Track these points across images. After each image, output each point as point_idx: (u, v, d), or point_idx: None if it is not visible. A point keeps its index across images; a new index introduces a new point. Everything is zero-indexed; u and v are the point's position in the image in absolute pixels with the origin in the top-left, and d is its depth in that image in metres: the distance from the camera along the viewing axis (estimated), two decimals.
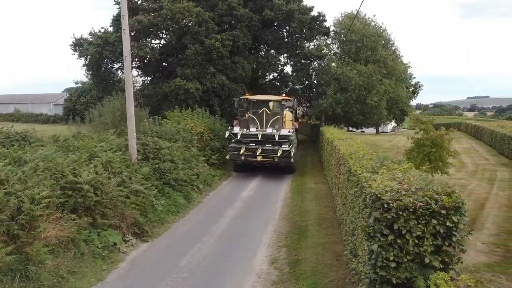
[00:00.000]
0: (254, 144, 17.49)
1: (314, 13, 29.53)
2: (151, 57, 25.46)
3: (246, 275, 7.80)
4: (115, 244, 8.96)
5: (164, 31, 25.95)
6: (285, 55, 29.68)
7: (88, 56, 26.56)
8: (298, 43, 28.67)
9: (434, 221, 4.55)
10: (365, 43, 27.36)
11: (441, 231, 4.55)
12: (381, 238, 4.68)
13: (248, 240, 9.84)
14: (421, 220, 4.58)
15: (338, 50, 30.15)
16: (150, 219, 10.67)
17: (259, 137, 17.42)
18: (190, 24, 25.05)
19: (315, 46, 28.92)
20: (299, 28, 28.00)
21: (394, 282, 4.68)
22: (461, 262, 4.84)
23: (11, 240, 6.90)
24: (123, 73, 28.41)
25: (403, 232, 4.60)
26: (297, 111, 22.59)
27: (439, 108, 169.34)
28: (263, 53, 28.82)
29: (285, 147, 17.19)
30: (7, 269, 6.61)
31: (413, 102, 69.42)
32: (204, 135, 20.27)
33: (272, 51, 29.73)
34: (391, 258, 4.66)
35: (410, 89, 53.11)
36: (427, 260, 4.60)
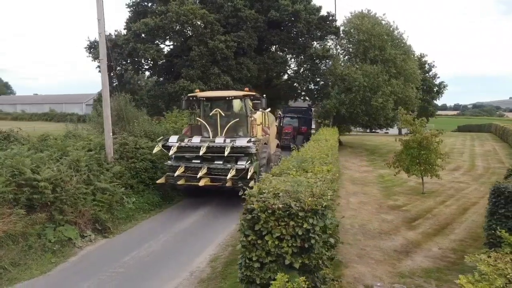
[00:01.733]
0: (199, 161, 12.32)
1: (323, 13, 29.46)
2: (157, 58, 26.08)
3: (180, 272, 7.98)
4: (70, 239, 9.37)
5: (170, 33, 26.48)
6: (292, 55, 29.60)
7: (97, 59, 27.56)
8: (306, 43, 28.55)
9: (292, 223, 4.57)
10: (373, 42, 26.86)
11: (299, 233, 4.56)
12: (244, 239, 4.74)
13: (201, 238, 10.02)
14: (280, 221, 4.61)
15: (345, 50, 29.73)
16: (116, 216, 11.07)
17: (202, 151, 11.87)
18: (194, 26, 25.50)
19: (321, 46, 28.66)
20: (306, 28, 27.88)
21: (258, 282, 4.72)
22: (327, 266, 4.81)
23: None
24: (132, 74, 29.32)
25: (264, 233, 4.65)
26: (271, 112, 17.28)
27: (479, 109, 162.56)
28: (270, 53, 28.79)
29: (241, 164, 11.97)
30: None
31: (438, 102, 67.50)
32: None
33: (279, 51, 29.74)
34: (254, 259, 4.71)
35: (434, 89, 51.75)
36: (287, 262, 4.62)
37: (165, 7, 26.63)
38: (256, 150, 12.18)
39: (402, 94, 26.77)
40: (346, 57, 29.73)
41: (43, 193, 9.19)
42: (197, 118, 14.26)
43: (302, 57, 28.83)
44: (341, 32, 29.52)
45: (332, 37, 29.71)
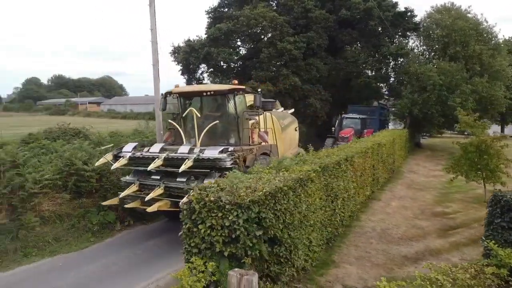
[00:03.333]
0: (159, 178, 9.40)
1: (401, 8, 28.13)
2: (229, 61, 27.46)
3: None
4: (110, 222, 10.77)
5: (242, 37, 27.66)
6: (365, 54, 28.75)
7: (180, 63, 29.91)
8: (379, 41, 27.55)
9: (220, 214, 4.99)
10: (454, 38, 24.89)
11: (227, 224, 4.97)
12: (184, 226, 5.28)
13: None
14: (211, 213, 5.05)
15: (424, 47, 27.95)
16: None
17: (153, 164, 8.79)
18: (264, 28, 26.32)
19: (396, 44, 27.37)
20: (380, 26, 26.93)
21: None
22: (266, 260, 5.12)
23: (11, 210, 9.18)
24: (205, 76, 31.12)
25: (198, 222, 5.14)
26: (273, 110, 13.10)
27: None
28: (341, 53, 28.37)
29: (209, 181, 7.72)
30: (3, 230, 8.89)
31: None
32: None
33: (351, 51, 29.11)
34: (192, 245, 5.22)
35: None
36: (217, 249, 5.05)
37: (241, 11, 27.87)
38: (236, 164, 8.66)
39: (487, 93, 24.36)
40: (423, 54, 27.93)
41: (89, 181, 10.73)
42: (169, 120, 11.35)
43: (377, 55, 27.90)
44: (421, 28, 27.91)
45: (410, 33, 28.23)
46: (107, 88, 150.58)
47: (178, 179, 9.02)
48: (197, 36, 34.46)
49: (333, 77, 28.37)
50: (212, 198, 5.04)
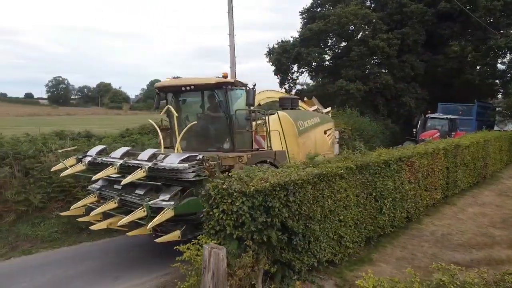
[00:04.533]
0: (120, 188, 7.67)
1: None
2: (319, 61, 27.63)
3: None
4: None
5: (332, 36, 27.62)
6: (468, 48, 26.39)
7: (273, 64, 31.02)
8: (486, 33, 25.07)
9: (229, 200, 5.64)
10: None
11: (234, 209, 5.59)
12: (204, 210, 6.04)
13: None
14: (223, 199, 5.72)
15: None
16: None
17: (102, 174, 7.42)
18: (355, 26, 25.95)
19: (508, 36, 24.59)
20: (488, 17, 24.53)
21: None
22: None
23: None
24: (297, 76, 31.65)
25: (213, 207, 5.85)
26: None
27: None
28: (440, 49, 26.49)
29: (161, 199, 6.91)
30: None
31: None
32: (343, 134, 21.20)
33: (452, 45, 26.96)
34: (210, 226, 5.95)
35: None
36: (228, 232, 5.70)
37: (333, 9, 27.90)
38: (204, 176, 6.87)
39: None
40: None
41: None
42: (149, 120, 10.22)
43: (482, 49, 25.44)
44: None
45: None
46: None
47: (137, 191, 7.43)
48: (291, 37, 35.26)
49: (431, 75, 26.69)
50: (224, 186, 5.71)
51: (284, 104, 11.09)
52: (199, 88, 9.06)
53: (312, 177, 6.42)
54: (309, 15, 30.72)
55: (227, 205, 5.66)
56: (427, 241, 9.39)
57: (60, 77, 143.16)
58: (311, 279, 6.64)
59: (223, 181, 5.89)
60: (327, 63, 29.77)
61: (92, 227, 7.52)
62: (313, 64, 28.69)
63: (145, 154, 7.60)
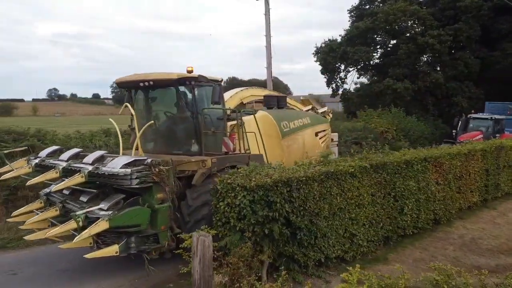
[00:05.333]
0: (67, 194, 7.14)
1: None
2: (365, 60, 27.13)
3: None
4: None
5: (380, 34, 26.99)
6: None
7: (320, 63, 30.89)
8: None
9: (232, 194, 6.01)
10: None
11: (237, 203, 5.95)
12: (212, 203, 6.44)
13: None
14: (228, 193, 6.09)
15: None
16: None
17: (41, 177, 6.87)
18: (404, 23, 25.20)
19: None
20: None
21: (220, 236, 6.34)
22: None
23: None
24: (345, 75, 31.18)
25: (220, 200, 6.25)
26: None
27: None
28: (499, 44, 24.92)
29: (99, 208, 6.16)
30: None
31: None
32: (387, 134, 20.75)
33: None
34: (217, 218, 6.34)
35: None
36: (232, 224, 6.07)
37: (382, 6, 27.28)
38: (151, 182, 6.22)
39: None
40: None
41: None
42: (110, 119, 8.88)
43: None
44: None
45: None
46: (273, 88, 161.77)
47: (81, 198, 6.78)
48: (340, 35, 34.88)
49: (486, 73, 25.21)
50: (228, 181, 6.09)
51: (270, 102, 10.20)
52: (159, 84, 8.01)
53: (318, 174, 6.61)
54: (357, 13, 30.22)
55: (231, 198, 6.03)
56: (452, 244, 9.14)
57: None
58: (318, 274, 6.83)
59: (230, 176, 6.27)
60: (374, 61, 29.15)
61: (27, 237, 6.95)
62: (360, 63, 28.23)
63: (91, 157, 6.83)
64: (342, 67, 29.49)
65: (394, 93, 24.80)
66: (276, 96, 10.76)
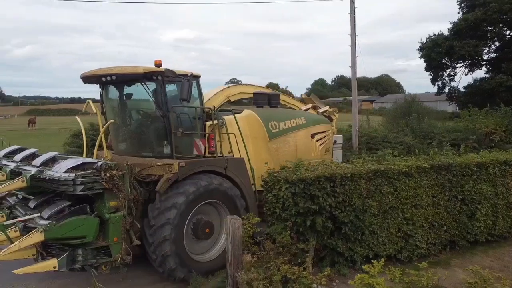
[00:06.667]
0: (20, 199, 6.62)
1: None
2: (474, 54, 24.84)
3: None
4: None
5: (493, 25, 24.45)
6: None
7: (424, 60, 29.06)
8: None
9: (277, 186, 6.54)
10: None
11: (281, 194, 6.47)
12: (266, 195, 7.01)
13: None
14: (275, 185, 6.64)
15: None
16: None
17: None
18: None
19: None
20: None
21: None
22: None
23: None
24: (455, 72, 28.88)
25: (269, 191, 6.82)
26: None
27: None
28: None
29: (38, 216, 5.57)
30: None
31: None
32: (493, 135, 18.85)
33: None
34: (268, 208, 6.94)
35: None
36: (277, 213, 6.61)
37: None
38: (102, 188, 5.65)
39: None
40: None
41: None
42: (76, 116, 8.00)
43: None
44: None
45: None
46: (384, 86, 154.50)
47: (29, 204, 6.07)
48: (447, 29, 32.42)
49: None
50: (275, 175, 6.65)
51: (259, 101, 9.27)
52: (123, 79, 7.09)
53: (366, 172, 6.77)
54: (468, 3, 27.71)
55: (277, 190, 6.58)
56: None
57: (235, 79, 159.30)
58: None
59: (279, 170, 6.83)
60: (490, 56, 26.51)
61: None
62: (468, 58, 25.92)
63: (41, 159, 6.23)
64: (448, 63, 27.41)
65: (508, 91, 22.35)
66: (268, 94, 9.74)
